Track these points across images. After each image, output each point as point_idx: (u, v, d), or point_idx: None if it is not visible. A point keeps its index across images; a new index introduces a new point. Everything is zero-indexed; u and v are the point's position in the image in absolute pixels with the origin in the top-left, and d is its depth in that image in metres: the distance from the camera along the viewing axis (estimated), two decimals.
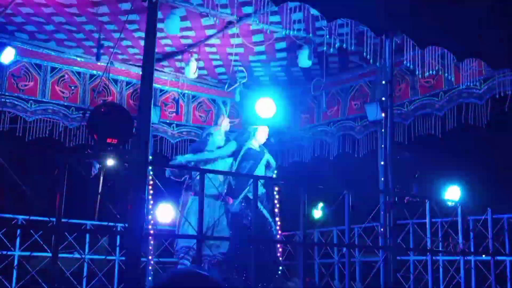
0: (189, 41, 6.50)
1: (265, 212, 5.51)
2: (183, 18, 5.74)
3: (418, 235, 6.40)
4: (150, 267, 6.56)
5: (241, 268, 4.63)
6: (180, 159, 6.00)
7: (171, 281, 1.48)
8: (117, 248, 7.04)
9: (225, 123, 6.35)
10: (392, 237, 4.35)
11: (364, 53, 4.98)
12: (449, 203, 5.59)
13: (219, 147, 6.07)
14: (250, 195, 5.28)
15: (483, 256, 5.43)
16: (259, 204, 5.14)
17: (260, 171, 5.78)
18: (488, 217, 5.27)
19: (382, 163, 5.00)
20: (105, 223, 7.08)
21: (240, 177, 5.28)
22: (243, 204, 5.41)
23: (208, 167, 5.75)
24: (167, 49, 6.77)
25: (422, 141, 6.65)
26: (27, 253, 6.36)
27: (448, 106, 6.26)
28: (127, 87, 7.30)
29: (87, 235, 6.97)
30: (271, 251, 5.32)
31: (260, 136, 6.07)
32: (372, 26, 4.26)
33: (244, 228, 5.30)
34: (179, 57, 6.93)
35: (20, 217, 6.55)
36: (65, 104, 6.84)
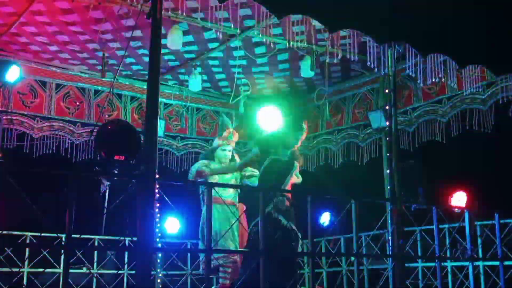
0: (192, 55, 6.55)
1: (291, 225, 4.73)
2: (185, 32, 5.79)
3: (426, 242, 6.40)
4: (158, 280, 6.58)
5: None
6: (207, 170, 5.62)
7: None
8: (125, 262, 7.06)
9: (232, 137, 5.94)
10: (399, 245, 4.35)
11: (368, 63, 5.01)
12: (456, 209, 5.60)
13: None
14: (270, 209, 4.61)
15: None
16: (282, 218, 4.67)
17: (287, 186, 4.82)
18: (495, 222, 5.26)
19: (388, 171, 5.02)
20: (114, 238, 7.13)
21: (248, 189, 4.97)
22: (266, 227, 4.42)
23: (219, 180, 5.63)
24: (171, 63, 6.83)
25: (427, 147, 6.66)
26: (37, 270, 6.38)
27: (452, 112, 6.28)
28: (132, 101, 7.36)
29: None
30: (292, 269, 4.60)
31: (285, 141, 4.94)
32: (374, 36, 4.28)
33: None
34: (183, 70, 6.99)
35: (29, 233, 6.59)
36: (71, 120, 6.91)
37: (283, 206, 4.56)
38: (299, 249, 4.84)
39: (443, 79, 5.54)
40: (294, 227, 4.73)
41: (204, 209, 5.48)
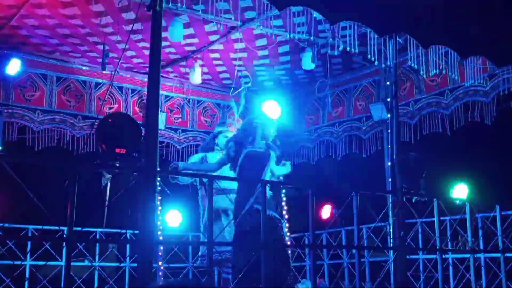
0: (192, 48, 6.53)
1: (272, 213, 4.79)
2: (186, 25, 5.77)
3: (427, 234, 6.40)
4: (160, 273, 6.59)
5: (250, 275, 4.32)
6: (181, 165, 5.57)
7: None
8: (127, 255, 7.07)
9: (236, 124, 5.86)
10: (401, 237, 4.36)
11: (369, 55, 4.99)
12: (457, 201, 5.59)
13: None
14: (256, 206, 4.61)
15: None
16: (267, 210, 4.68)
17: (267, 177, 4.93)
18: (496, 214, 5.27)
19: (390, 163, 5.02)
20: (116, 231, 7.13)
21: (248, 182, 4.94)
22: (247, 217, 4.62)
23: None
24: (171, 56, 6.81)
25: (429, 140, 6.65)
26: (39, 263, 6.39)
27: (454, 104, 6.26)
28: (132, 94, 7.35)
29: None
30: (283, 255, 4.75)
31: (263, 132, 5.02)
32: (375, 28, 4.26)
33: (247, 233, 4.56)
34: (183, 63, 6.97)
35: (30, 226, 6.60)
36: (72, 113, 6.90)
37: (264, 197, 4.57)
38: (285, 230, 5.12)
39: (444, 71, 5.51)
40: (275, 214, 4.85)
41: (205, 202, 5.47)
